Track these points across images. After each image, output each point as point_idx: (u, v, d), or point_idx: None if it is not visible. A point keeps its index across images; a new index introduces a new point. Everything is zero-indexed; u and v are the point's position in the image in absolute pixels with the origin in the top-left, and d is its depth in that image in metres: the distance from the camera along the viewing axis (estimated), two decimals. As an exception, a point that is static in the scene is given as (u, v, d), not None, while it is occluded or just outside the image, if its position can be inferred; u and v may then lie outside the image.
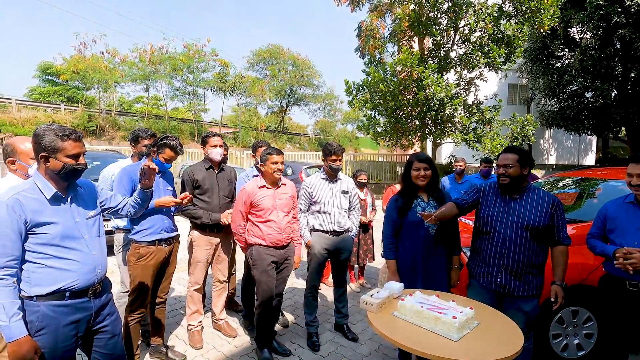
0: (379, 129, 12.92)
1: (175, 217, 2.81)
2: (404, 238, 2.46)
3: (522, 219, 2.19)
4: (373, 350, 3.00)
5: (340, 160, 3.01)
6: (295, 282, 4.56)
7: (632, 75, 13.57)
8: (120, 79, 17.30)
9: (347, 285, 4.47)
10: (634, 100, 12.84)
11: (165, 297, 2.78)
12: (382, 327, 1.86)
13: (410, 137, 12.65)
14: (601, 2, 10.93)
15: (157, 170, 2.08)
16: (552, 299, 2.13)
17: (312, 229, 3.08)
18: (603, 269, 2.25)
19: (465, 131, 11.65)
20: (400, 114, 12.17)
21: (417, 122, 12.19)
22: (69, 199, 1.69)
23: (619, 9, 10.81)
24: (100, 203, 1.89)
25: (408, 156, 14.69)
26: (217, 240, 3.07)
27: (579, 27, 13.24)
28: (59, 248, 1.60)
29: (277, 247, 2.74)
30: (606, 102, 13.44)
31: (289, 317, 3.59)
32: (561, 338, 2.75)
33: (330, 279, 3.97)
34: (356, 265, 4.46)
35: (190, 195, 2.49)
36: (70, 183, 1.70)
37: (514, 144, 11.71)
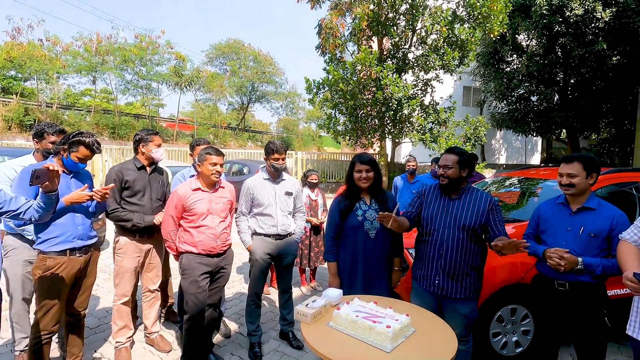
0: (339, 128, 12.92)
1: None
2: (344, 241, 2.39)
3: (459, 219, 2.17)
4: (318, 358, 2.88)
5: (283, 160, 2.86)
6: (244, 288, 4.35)
7: (572, 81, 14.66)
8: (63, 70, 15.94)
9: (299, 289, 4.36)
10: (573, 104, 13.86)
11: (84, 312, 2.48)
12: (314, 340, 1.75)
13: (369, 136, 12.77)
14: (544, 12, 11.63)
15: (59, 172, 1.82)
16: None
17: (254, 233, 2.90)
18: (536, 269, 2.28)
19: (422, 131, 11.94)
20: (360, 113, 12.24)
21: (376, 122, 12.32)
22: None
23: (560, 19, 11.57)
24: None
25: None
26: (148, 246, 2.80)
27: (526, 35, 14.06)
28: None
29: (210, 255, 2.53)
30: (549, 105, 14.41)
31: (233, 326, 3.38)
32: (501, 336, 2.78)
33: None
34: (307, 268, 4.33)
35: (109, 189, 2.24)
36: None
37: (467, 144, 12.19)
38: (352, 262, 2.35)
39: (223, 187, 2.69)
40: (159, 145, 2.82)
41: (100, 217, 4.17)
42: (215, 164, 2.49)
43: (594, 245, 1.97)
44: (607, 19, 11.02)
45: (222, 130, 21.75)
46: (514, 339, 2.82)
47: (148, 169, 2.81)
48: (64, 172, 2.20)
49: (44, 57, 14.94)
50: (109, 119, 16.85)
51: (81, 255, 2.29)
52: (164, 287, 3.31)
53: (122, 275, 2.72)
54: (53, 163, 1.87)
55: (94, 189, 2.21)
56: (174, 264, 3.68)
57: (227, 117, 25.66)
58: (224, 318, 3.31)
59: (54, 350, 2.72)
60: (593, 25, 11.35)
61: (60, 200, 2.04)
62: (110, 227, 2.94)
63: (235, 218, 2.92)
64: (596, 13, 10.98)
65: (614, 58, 12.54)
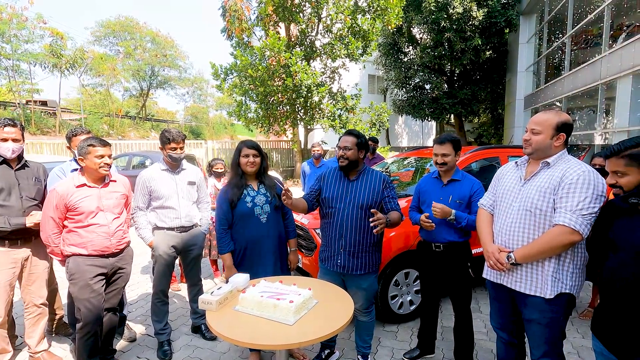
0: (251, 115, 12.68)
1: None
2: (237, 229, 2.42)
3: (358, 198, 2.31)
4: (232, 345, 2.89)
5: (181, 148, 2.72)
6: (150, 288, 4.06)
7: (457, 71, 16.73)
8: None
9: (212, 281, 4.25)
10: (458, 92, 15.89)
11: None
12: (220, 326, 1.75)
13: (282, 123, 12.80)
14: (432, 8, 12.96)
15: None
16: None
17: (155, 227, 2.73)
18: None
19: (332, 118, 12.42)
20: (271, 99, 12.16)
21: (287, 109, 12.40)
22: None
23: (445, 16, 13.04)
24: None
25: (282, 143, 14.76)
26: (25, 253, 2.42)
27: (419, 28, 15.53)
28: None
29: (104, 256, 2.31)
30: (439, 93, 16.26)
31: (139, 328, 3.16)
32: (397, 298, 3.16)
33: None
34: (219, 259, 4.24)
35: None
36: None
37: (373, 129, 13.09)
38: (248, 249, 2.39)
39: (115, 181, 2.46)
40: (5, 140, 2.31)
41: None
42: (102, 156, 2.26)
43: (460, 210, 2.35)
44: (481, 18, 12.78)
45: (119, 120, 19.43)
46: (408, 298, 3.23)
47: (13, 164, 2.40)
48: None
49: None
50: (-39, 107, 13.69)
51: None
52: (51, 298, 2.92)
53: (-10, 292, 2.32)
54: None
55: None
56: (59, 272, 3.27)
57: (123, 105, 22.97)
58: (127, 322, 3.09)
59: None
60: (470, 22, 13.06)
61: None
62: None
63: (132, 214, 2.71)
64: (472, 12, 12.64)
65: (487, 52, 14.66)
